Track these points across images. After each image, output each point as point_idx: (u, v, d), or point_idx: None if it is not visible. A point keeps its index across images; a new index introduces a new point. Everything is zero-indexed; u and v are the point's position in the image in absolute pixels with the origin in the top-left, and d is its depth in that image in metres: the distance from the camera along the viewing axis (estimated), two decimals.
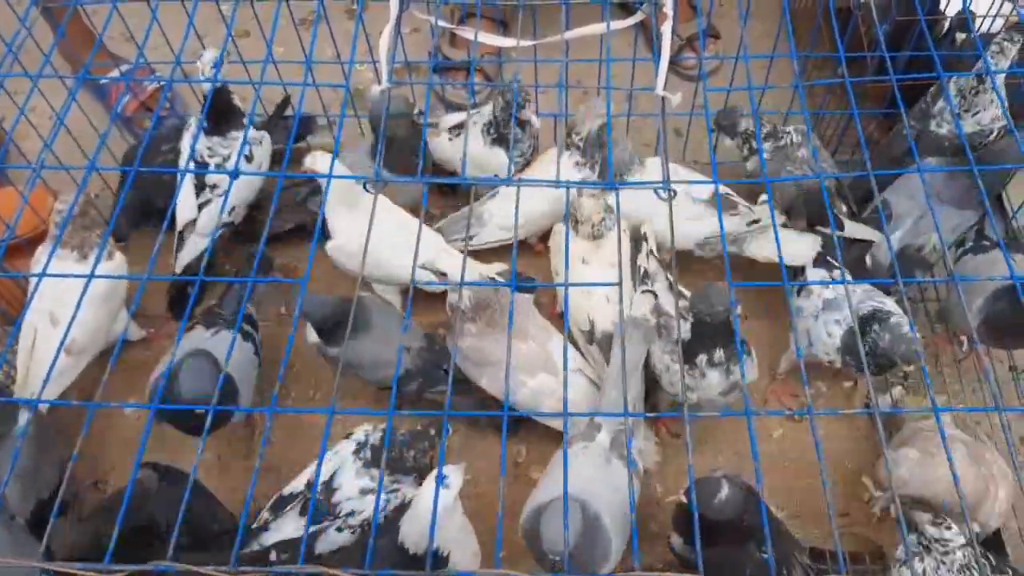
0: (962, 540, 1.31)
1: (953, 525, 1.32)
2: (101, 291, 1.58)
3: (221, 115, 1.72)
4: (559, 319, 1.71)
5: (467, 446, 1.69)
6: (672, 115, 1.37)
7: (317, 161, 1.59)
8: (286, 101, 1.93)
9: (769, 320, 1.81)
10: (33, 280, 1.62)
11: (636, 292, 1.61)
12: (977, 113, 1.72)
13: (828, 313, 1.56)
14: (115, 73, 2.11)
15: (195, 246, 1.79)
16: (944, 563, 1.31)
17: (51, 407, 1.58)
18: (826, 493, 0.97)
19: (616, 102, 1.90)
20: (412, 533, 1.27)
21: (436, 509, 1.06)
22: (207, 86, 1.63)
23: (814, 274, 1.64)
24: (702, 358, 1.44)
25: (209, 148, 1.74)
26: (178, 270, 1.80)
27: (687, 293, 1.48)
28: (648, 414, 1.30)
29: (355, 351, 1.54)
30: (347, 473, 1.43)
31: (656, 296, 1.57)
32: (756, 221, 1.72)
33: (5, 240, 1.39)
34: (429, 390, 1.64)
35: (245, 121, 1.73)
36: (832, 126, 2.04)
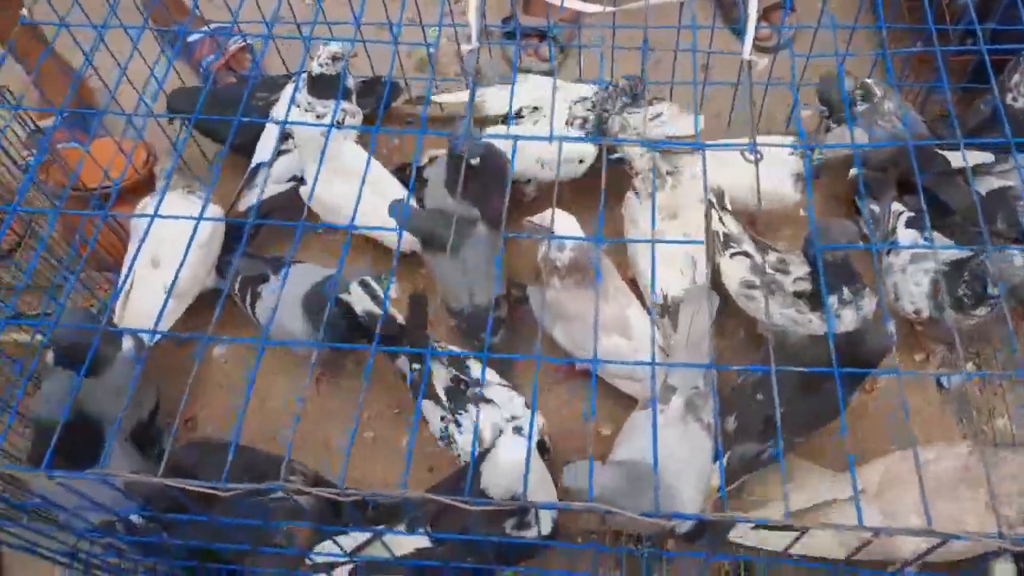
0: None
1: None
2: (202, 236, 1.63)
3: (332, 81, 1.77)
4: (632, 284, 1.74)
5: (546, 400, 1.73)
6: (756, 84, 1.38)
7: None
8: (377, 79, 1.98)
9: None
10: (137, 226, 1.70)
11: (724, 257, 1.62)
12: None
13: (916, 264, 1.59)
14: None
15: (256, 196, 1.83)
16: None
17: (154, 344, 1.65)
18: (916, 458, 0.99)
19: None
20: (494, 482, 1.32)
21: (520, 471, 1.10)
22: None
23: (905, 234, 1.65)
24: (833, 300, 1.48)
25: (309, 102, 1.81)
26: (241, 208, 1.85)
27: (779, 247, 1.50)
28: (734, 367, 1.33)
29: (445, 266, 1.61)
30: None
31: (749, 256, 1.59)
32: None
33: (116, 183, 1.48)
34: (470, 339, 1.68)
35: (350, 85, 1.81)
36: (910, 98, 2.02)
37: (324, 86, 1.80)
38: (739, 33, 2.29)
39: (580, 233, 1.50)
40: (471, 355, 1.53)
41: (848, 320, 1.51)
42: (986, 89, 1.77)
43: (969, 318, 1.55)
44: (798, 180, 1.71)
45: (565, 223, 1.48)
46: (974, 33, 1.39)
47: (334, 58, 1.78)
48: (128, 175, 1.85)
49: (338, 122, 1.79)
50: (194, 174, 2.02)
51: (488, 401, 1.48)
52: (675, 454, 1.34)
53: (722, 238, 1.65)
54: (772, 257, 1.60)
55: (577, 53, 1.94)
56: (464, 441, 1.49)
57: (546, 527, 1.33)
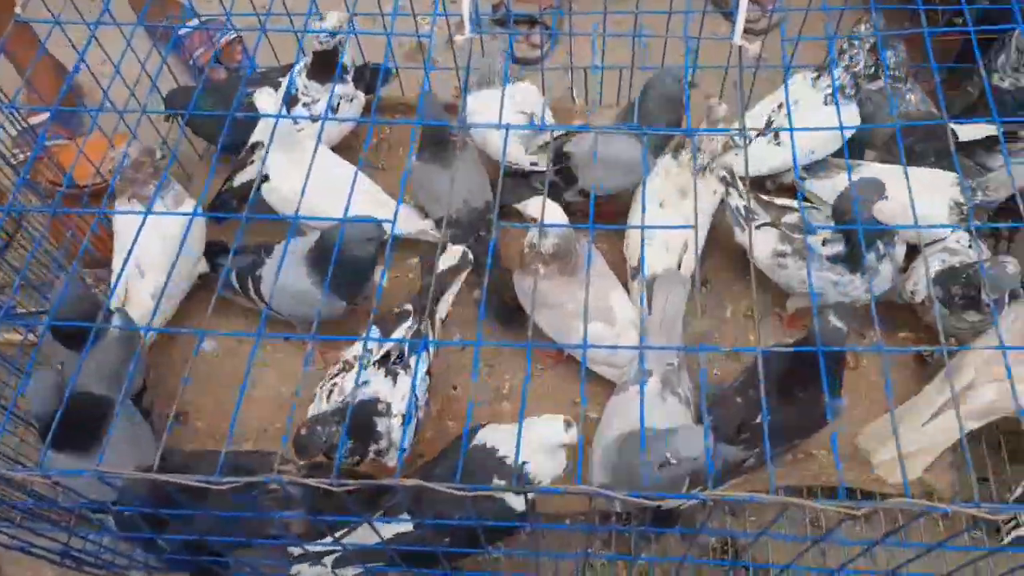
0: None
1: None
2: (176, 236, 1.63)
3: (326, 65, 1.77)
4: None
5: (533, 387, 1.74)
6: (747, 67, 1.38)
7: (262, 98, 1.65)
8: (366, 66, 1.96)
9: None
10: (118, 226, 1.70)
11: (749, 230, 1.62)
12: None
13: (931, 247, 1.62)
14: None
15: (254, 170, 1.83)
16: None
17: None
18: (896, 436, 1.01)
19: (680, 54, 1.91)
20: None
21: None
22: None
23: None
24: (872, 257, 1.51)
25: (305, 87, 1.81)
26: (236, 184, 1.83)
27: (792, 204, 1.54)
28: (723, 348, 1.34)
29: (435, 177, 1.66)
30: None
31: (775, 226, 1.59)
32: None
33: (111, 183, 1.48)
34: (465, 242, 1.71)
35: (348, 78, 1.80)
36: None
37: (323, 66, 1.79)
38: (729, 16, 2.31)
39: (566, 221, 1.51)
40: (467, 344, 1.54)
41: (886, 274, 1.52)
42: (973, 70, 1.79)
43: (959, 320, 1.56)
44: (955, 209, 1.66)
45: (552, 212, 1.49)
46: (962, 13, 1.40)
47: (332, 33, 1.76)
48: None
49: (334, 108, 1.80)
50: (185, 172, 2.03)
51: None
52: (657, 427, 1.35)
53: (744, 212, 1.65)
54: (792, 219, 1.61)
55: (569, 40, 1.93)
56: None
57: (521, 505, 1.33)
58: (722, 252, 1.84)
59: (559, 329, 1.61)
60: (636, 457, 1.24)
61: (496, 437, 1.34)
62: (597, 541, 1.65)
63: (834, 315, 1.31)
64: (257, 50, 1.45)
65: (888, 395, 1.04)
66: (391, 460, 1.44)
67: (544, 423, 1.27)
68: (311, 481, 0.97)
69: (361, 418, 1.41)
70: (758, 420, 1.45)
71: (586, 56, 2.10)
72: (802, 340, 1.44)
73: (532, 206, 1.50)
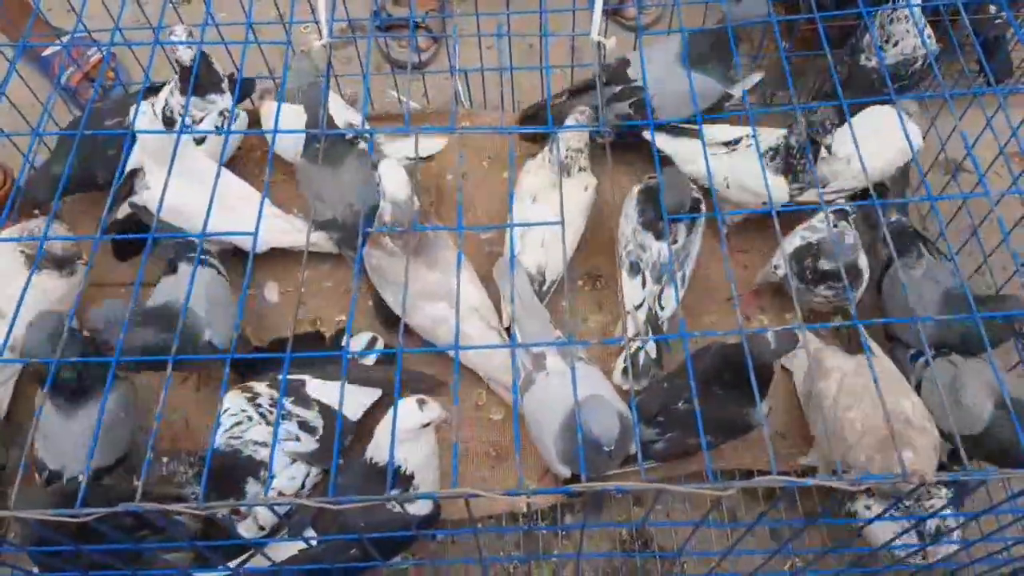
0: None
1: None
2: (58, 296, 1.59)
3: (205, 75, 1.70)
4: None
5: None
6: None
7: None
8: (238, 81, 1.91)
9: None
10: None
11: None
12: (897, 43, 1.78)
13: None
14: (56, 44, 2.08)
15: (139, 198, 1.72)
16: None
17: None
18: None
19: (561, 52, 1.94)
20: (379, 453, 1.33)
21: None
22: (183, 53, 1.64)
23: None
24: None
25: (180, 105, 1.73)
26: (119, 215, 1.75)
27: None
28: (589, 341, 1.36)
29: (318, 177, 1.64)
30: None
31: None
32: None
33: None
34: (345, 248, 1.71)
35: (224, 87, 1.73)
36: (775, 71, 2.07)
37: (198, 83, 1.71)
38: (614, 13, 2.35)
39: (408, 189, 1.50)
40: (331, 355, 1.52)
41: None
42: (839, 52, 1.85)
43: (812, 294, 1.61)
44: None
45: (397, 180, 1.49)
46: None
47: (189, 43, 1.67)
48: None
49: (217, 126, 1.73)
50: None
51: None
52: (590, 388, 1.38)
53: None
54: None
55: (445, 43, 1.92)
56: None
57: (426, 508, 1.34)
58: (611, 248, 1.86)
59: (405, 307, 1.58)
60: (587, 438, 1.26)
61: (372, 447, 1.33)
62: (510, 542, 1.65)
63: (771, 333, 1.35)
64: (107, 64, 1.39)
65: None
66: (243, 529, 1.39)
67: (399, 414, 1.24)
68: (174, 508, 0.94)
69: (235, 474, 1.36)
70: (677, 407, 1.48)
71: (470, 59, 2.10)
72: (731, 347, 1.43)
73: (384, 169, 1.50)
